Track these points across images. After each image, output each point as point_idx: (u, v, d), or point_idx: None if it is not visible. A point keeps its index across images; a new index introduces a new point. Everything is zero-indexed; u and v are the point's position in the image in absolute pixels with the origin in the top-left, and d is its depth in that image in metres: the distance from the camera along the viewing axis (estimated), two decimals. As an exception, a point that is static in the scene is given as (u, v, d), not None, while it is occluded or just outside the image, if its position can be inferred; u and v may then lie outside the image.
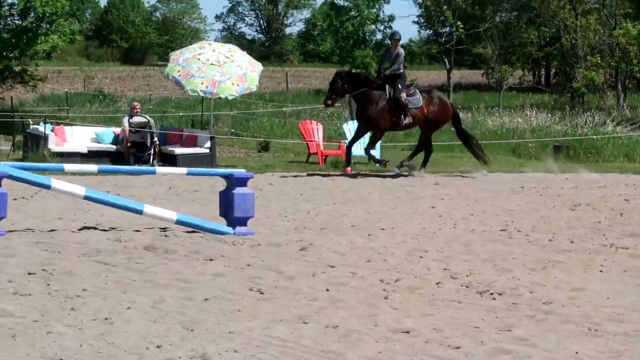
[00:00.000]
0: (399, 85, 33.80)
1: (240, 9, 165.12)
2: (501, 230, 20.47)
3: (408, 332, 11.41)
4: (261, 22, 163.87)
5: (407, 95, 34.36)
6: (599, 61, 71.11)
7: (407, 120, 33.16)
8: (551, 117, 59.80)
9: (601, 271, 15.88)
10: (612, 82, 75.09)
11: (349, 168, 33.48)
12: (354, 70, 34.71)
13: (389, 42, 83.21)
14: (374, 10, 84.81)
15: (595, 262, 16.65)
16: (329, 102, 34.67)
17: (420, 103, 33.96)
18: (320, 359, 10.28)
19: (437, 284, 14.54)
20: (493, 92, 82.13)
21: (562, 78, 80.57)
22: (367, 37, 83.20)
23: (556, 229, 20.67)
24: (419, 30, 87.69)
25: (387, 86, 33.99)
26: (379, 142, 37.67)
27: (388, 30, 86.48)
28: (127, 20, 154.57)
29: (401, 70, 35.13)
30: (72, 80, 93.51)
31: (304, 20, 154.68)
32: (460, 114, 45.04)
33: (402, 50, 35.31)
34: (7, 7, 64.78)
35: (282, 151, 42.58)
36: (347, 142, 39.27)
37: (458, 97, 78.06)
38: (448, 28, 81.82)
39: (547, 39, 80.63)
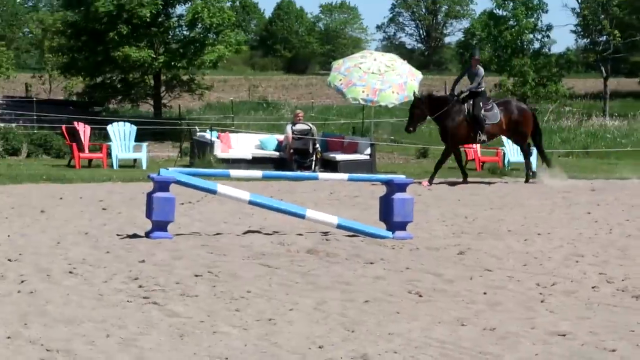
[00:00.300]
0: (479, 102, 33.27)
1: (400, 19, 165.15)
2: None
3: (564, 335, 11.35)
4: (421, 31, 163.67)
5: (484, 111, 33.84)
6: None
7: (483, 137, 32.88)
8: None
9: None
10: None
11: (425, 182, 31.66)
12: (432, 94, 33.71)
13: (545, 49, 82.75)
14: (532, 19, 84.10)
15: None
16: (411, 128, 34.28)
17: (498, 118, 33.42)
18: (477, 358, 10.32)
19: (593, 288, 14.43)
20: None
21: None
22: (524, 46, 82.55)
23: None
24: (576, 39, 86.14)
25: (466, 103, 33.60)
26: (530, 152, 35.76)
27: (546, 39, 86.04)
28: (290, 31, 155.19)
29: (482, 88, 34.51)
30: (237, 89, 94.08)
31: (462, 30, 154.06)
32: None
33: (481, 70, 34.45)
34: (175, 19, 65.36)
35: (429, 156, 42.52)
36: (504, 149, 39.26)
37: (614, 105, 77.24)
38: (605, 37, 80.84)
39: None
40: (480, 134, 32.72)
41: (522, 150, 35.71)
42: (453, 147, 34.13)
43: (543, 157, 35.99)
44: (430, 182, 32.04)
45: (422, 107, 33.60)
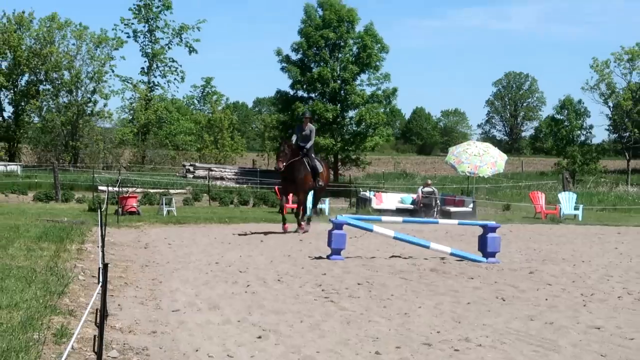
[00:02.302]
0: (313, 156, 27.34)
1: (493, 120, 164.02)
2: (662, 264, 19.88)
3: (599, 328, 11.24)
4: (506, 128, 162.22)
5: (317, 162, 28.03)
6: None
7: (321, 182, 27.31)
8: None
9: None
10: None
11: (285, 225, 26.36)
12: (289, 140, 26.53)
13: (588, 141, 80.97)
14: (580, 121, 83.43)
15: None
16: (280, 165, 25.77)
17: (322, 168, 27.54)
18: (541, 342, 10.20)
19: (618, 297, 14.19)
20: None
21: None
22: (574, 139, 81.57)
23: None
24: (608, 134, 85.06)
25: (305, 158, 26.55)
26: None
27: (589, 134, 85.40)
28: (421, 127, 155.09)
29: (312, 144, 27.10)
30: (386, 164, 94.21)
31: (533, 127, 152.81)
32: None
33: (313, 127, 27.53)
34: (348, 119, 65.50)
35: (519, 210, 41.90)
36: (560, 205, 38.58)
37: (634, 178, 75.94)
38: (628, 133, 79.78)
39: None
40: (319, 180, 26.92)
41: (313, 197, 28.97)
42: (305, 194, 27.29)
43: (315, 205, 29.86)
44: (300, 225, 26.68)
45: (288, 149, 26.08)
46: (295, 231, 25.94)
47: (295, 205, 29.08)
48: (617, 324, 11.68)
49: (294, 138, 26.10)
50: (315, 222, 27.64)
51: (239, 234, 24.37)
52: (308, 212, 27.83)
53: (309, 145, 26.03)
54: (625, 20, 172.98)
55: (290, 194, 27.81)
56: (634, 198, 51.93)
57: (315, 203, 28.41)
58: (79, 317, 10.27)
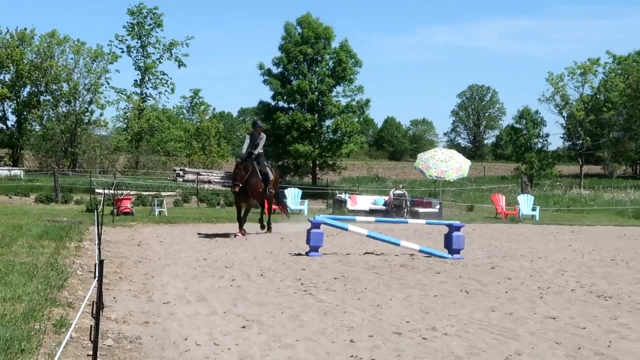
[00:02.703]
0: (265, 162, 25.54)
1: (457, 129, 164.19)
2: (611, 259, 19.92)
3: (554, 318, 11.31)
4: (469, 136, 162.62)
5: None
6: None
7: (272, 190, 25.42)
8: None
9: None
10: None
11: (239, 232, 23.91)
12: (243, 161, 23.70)
13: (545, 148, 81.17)
14: (537, 130, 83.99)
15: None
16: (236, 189, 23.79)
17: (272, 175, 25.66)
18: (501, 331, 10.25)
19: (572, 290, 14.25)
20: (608, 179, 80.00)
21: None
22: (532, 146, 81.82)
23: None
24: (563, 142, 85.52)
25: (256, 164, 24.56)
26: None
27: (545, 142, 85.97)
28: (392, 135, 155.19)
29: (261, 150, 25.02)
30: (360, 169, 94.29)
31: (494, 136, 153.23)
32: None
33: (264, 135, 25.47)
34: (325, 128, 65.48)
35: (481, 211, 42.02)
36: (519, 206, 38.69)
37: (586, 182, 76.29)
38: (581, 141, 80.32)
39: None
40: (269, 188, 24.98)
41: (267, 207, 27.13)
42: (259, 198, 25.18)
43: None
44: (242, 231, 24.15)
45: (243, 170, 24.04)
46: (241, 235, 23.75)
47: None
48: (570, 314, 11.75)
49: (245, 145, 25.03)
50: (294, 222, 27.63)
51: (223, 234, 24.30)
52: (267, 219, 26.34)
53: (257, 151, 24.50)
54: (577, 38, 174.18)
55: (244, 204, 24.81)
56: (587, 200, 52.18)
57: (269, 210, 26.65)
58: (77, 309, 10.23)
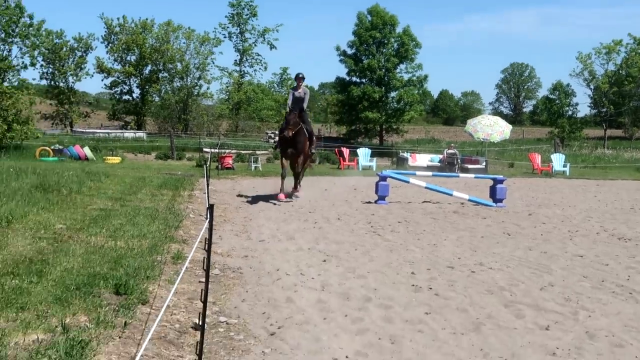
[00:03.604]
0: (309, 120, 20.17)
1: (501, 99, 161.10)
2: (630, 208, 19.55)
3: (581, 256, 11.19)
4: (511, 105, 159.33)
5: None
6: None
7: (314, 150, 20.71)
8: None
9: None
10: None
11: (282, 194, 18.97)
12: (292, 111, 18.69)
13: (575, 115, 79.46)
14: (568, 100, 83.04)
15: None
16: (290, 133, 18.34)
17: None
18: (537, 267, 10.17)
19: (597, 233, 14.05)
20: (628, 141, 78.26)
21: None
22: (563, 113, 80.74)
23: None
24: (590, 110, 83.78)
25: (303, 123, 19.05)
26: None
27: (575, 110, 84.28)
28: (446, 105, 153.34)
29: (306, 106, 19.52)
30: (419, 132, 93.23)
31: (532, 105, 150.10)
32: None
33: (307, 89, 19.87)
34: (391, 98, 64.98)
35: (520, 168, 41.43)
36: (552, 163, 38.07)
37: (609, 143, 74.61)
38: (605, 109, 78.65)
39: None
40: (313, 146, 20.14)
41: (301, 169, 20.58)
42: (305, 156, 19.61)
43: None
44: (296, 188, 20.10)
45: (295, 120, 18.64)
46: (291, 196, 19.41)
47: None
48: (595, 253, 11.62)
49: (289, 101, 19.04)
50: (366, 176, 27.57)
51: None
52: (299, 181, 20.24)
53: (304, 105, 18.80)
54: (601, 24, 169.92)
55: (290, 162, 19.39)
56: (609, 158, 51.30)
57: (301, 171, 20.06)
58: (190, 245, 10.40)
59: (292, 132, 18.00)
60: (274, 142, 22.46)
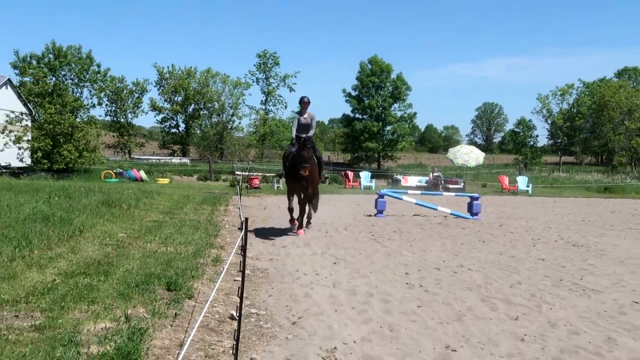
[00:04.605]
0: (316, 146, 14.65)
1: (475, 132, 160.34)
2: (582, 220, 19.43)
3: (543, 260, 11.14)
4: (483, 137, 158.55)
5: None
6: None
7: (326, 176, 14.96)
8: (601, 175, 56.49)
9: (624, 238, 14.86)
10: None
11: (300, 230, 14.16)
12: (304, 145, 13.51)
13: (535, 145, 78.76)
14: (530, 133, 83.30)
15: (624, 233, 15.66)
16: (307, 173, 13.30)
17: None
18: (507, 268, 10.09)
19: (555, 241, 13.96)
20: (579, 165, 77.95)
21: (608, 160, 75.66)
22: (526, 143, 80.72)
23: (606, 220, 19.54)
24: (547, 141, 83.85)
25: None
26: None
27: (535, 141, 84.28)
28: (431, 136, 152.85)
29: (314, 132, 14.71)
30: (409, 159, 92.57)
31: (501, 136, 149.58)
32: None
33: (314, 114, 14.77)
34: (386, 132, 64.96)
35: (492, 187, 41.27)
36: (517, 183, 37.89)
37: (563, 167, 74.32)
38: (560, 140, 78.66)
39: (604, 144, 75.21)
40: (324, 173, 15.90)
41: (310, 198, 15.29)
42: (315, 187, 14.50)
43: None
44: (302, 224, 14.45)
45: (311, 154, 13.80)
46: (296, 230, 14.23)
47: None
48: (554, 257, 11.55)
49: (294, 127, 14.39)
50: (367, 194, 27.51)
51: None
52: (311, 211, 15.03)
53: (311, 134, 14.16)
54: (559, 69, 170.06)
55: (299, 193, 14.41)
56: (564, 180, 51.06)
57: (314, 204, 14.90)
58: (227, 250, 10.40)
59: (309, 167, 13.10)
60: (280, 171, 16.53)
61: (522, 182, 38.54)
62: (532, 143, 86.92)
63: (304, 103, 14.37)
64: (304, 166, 13.12)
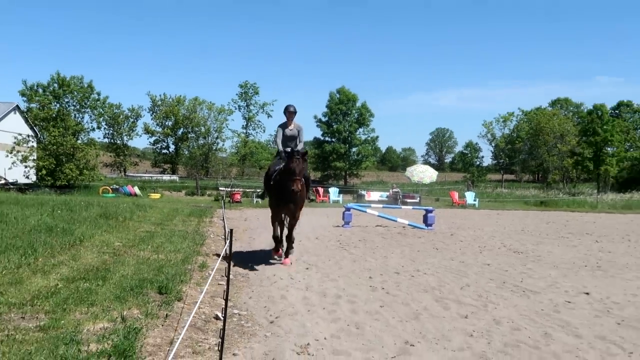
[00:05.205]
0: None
1: (430, 153, 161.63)
2: (521, 230, 19.62)
3: (489, 265, 11.19)
4: (436, 157, 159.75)
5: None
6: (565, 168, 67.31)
7: (313, 196, 11.14)
8: (537, 191, 57.21)
9: (558, 245, 15.04)
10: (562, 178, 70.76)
11: (286, 259, 10.68)
12: (295, 155, 9.77)
13: (480, 164, 79.46)
14: (476, 154, 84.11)
15: (557, 241, 15.84)
16: (299, 186, 9.60)
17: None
18: (457, 272, 10.12)
19: (499, 248, 14.05)
20: (518, 182, 78.86)
21: (543, 179, 76.60)
22: (473, 163, 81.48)
23: (542, 229, 19.77)
24: (491, 161, 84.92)
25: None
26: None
27: (481, 161, 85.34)
28: (391, 157, 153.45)
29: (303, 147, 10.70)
30: (372, 177, 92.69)
31: (451, 157, 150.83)
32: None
33: (300, 125, 10.81)
34: (352, 153, 65.13)
35: (444, 201, 41.53)
36: (466, 198, 38.18)
37: (505, 184, 75.09)
38: (502, 160, 79.66)
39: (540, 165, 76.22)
40: (310, 193, 13.26)
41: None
42: (301, 208, 10.68)
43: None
44: (287, 254, 10.89)
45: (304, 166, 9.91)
46: (280, 257, 11.07)
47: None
48: (498, 262, 11.61)
49: (279, 139, 10.78)
50: (335, 208, 27.45)
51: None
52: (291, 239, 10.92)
53: (300, 146, 10.62)
54: (501, 99, 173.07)
55: (285, 216, 11.14)
56: (505, 195, 51.55)
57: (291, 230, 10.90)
58: (212, 257, 10.32)
59: (301, 180, 9.71)
60: (260, 191, 11.25)
61: (470, 197, 38.92)
62: (478, 163, 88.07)
63: (289, 113, 10.70)
64: (295, 179, 9.52)
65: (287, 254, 10.91)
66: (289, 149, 10.20)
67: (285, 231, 11.13)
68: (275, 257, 11.17)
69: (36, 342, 5.02)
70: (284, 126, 10.76)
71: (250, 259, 11.05)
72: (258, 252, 12.23)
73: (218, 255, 10.56)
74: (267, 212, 11.52)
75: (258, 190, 41.25)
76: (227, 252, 5.01)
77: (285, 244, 11.05)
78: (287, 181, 9.72)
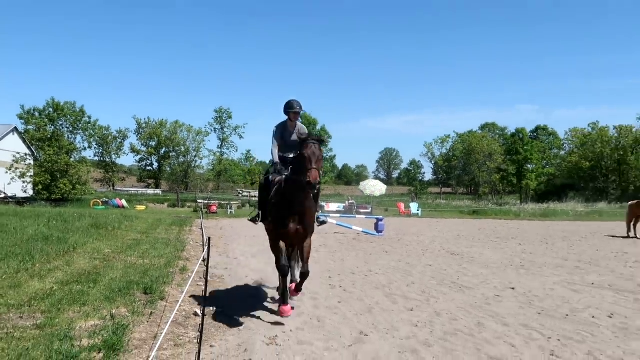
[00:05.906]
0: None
1: (380, 169, 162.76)
2: (457, 235, 19.79)
3: (430, 265, 11.22)
4: (385, 173, 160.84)
5: None
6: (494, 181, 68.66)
7: (323, 218, 7.99)
8: (470, 202, 58.05)
9: (488, 248, 15.27)
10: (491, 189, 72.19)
11: (286, 306, 6.34)
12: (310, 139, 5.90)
13: (422, 179, 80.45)
14: (419, 170, 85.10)
15: (487, 245, 16.07)
16: (317, 177, 5.61)
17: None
18: (404, 272, 10.13)
19: (439, 251, 14.15)
20: (454, 195, 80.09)
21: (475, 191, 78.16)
22: (417, 178, 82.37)
23: (475, 235, 20.05)
24: (432, 176, 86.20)
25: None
26: None
27: (423, 176, 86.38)
28: (347, 173, 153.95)
29: None
30: (331, 190, 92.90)
31: (398, 173, 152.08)
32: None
33: (304, 127, 6.98)
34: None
35: (392, 211, 41.84)
36: (411, 208, 38.49)
37: (444, 196, 76.19)
38: (441, 175, 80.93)
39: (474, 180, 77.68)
40: (318, 212, 7.46)
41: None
42: (312, 233, 6.78)
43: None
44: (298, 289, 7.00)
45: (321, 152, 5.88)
46: (294, 294, 7.14)
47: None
48: (438, 263, 11.64)
49: (275, 151, 6.83)
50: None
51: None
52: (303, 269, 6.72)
53: None
54: (439, 123, 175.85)
55: (292, 241, 6.59)
56: (444, 206, 52.20)
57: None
58: (192, 262, 10.17)
59: (319, 170, 5.87)
60: (255, 214, 7.98)
61: (414, 207, 39.31)
62: (420, 178, 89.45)
63: (293, 113, 6.97)
64: (312, 168, 5.83)
65: (298, 289, 6.95)
66: (291, 155, 6.75)
67: (295, 266, 7.32)
68: (293, 297, 7.13)
69: (33, 339, 4.88)
70: (284, 129, 7.02)
71: (225, 263, 10.94)
72: (232, 256, 12.11)
73: (197, 260, 10.43)
74: (240, 222, 11.54)
75: (232, 203, 40.93)
76: (205, 257, 4.96)
77: (297, 277, 7.11)
78: (299, 179, 5.94)
